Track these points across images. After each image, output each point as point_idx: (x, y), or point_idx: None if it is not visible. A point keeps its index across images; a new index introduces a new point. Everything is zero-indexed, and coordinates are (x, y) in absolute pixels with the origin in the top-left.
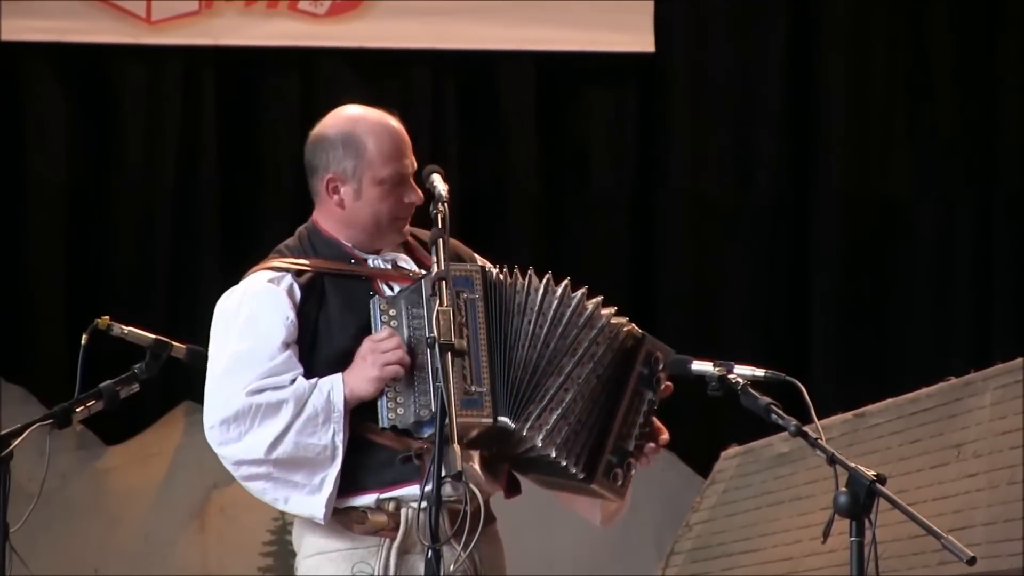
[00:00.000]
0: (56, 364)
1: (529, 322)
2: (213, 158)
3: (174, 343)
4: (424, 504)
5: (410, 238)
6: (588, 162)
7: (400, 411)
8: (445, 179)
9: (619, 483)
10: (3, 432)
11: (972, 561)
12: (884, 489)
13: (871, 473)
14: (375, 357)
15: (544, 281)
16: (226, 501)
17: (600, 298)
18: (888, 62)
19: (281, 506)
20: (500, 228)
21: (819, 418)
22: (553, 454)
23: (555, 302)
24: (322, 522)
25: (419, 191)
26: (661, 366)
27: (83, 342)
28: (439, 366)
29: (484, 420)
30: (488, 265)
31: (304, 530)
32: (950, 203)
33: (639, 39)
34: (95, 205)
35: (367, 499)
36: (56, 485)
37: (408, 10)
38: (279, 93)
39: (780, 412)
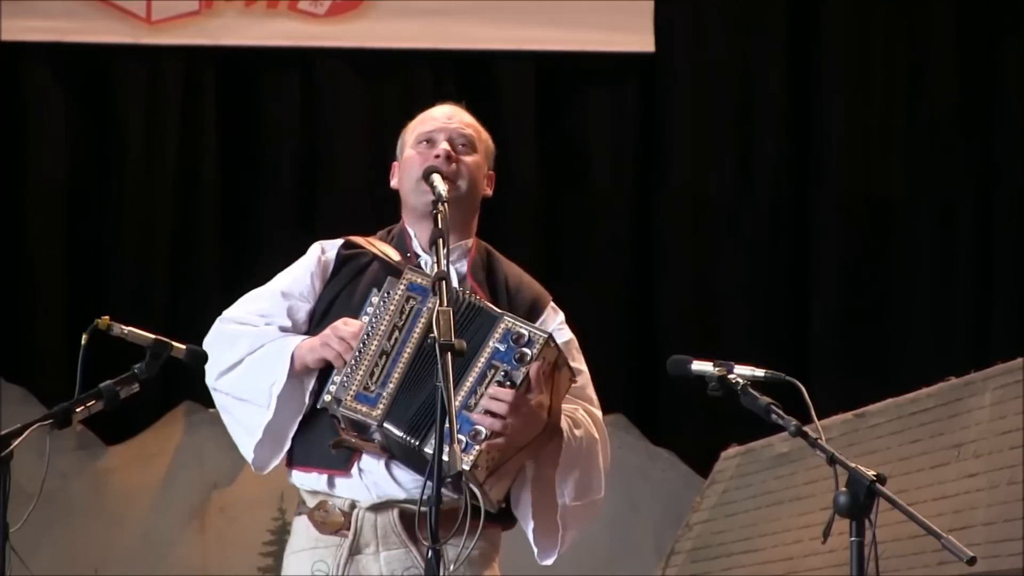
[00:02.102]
0: (56, 364)
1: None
2: (213, 158)
3: (174, 343)
4: (370, 503)
5: (476, 249)
6: (588, 162)
7: (337, 395)
8: (445, 179)
9: (460, 449)
10: (3, 432)
11: (972, 561)
12: (884, 489)
13: (871, 473)
14: (325, 336)
15: (477, 306)
16: (226, 501)
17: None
18: (888, 62)
19: (237, 444)
20: (500, 228)
21: (819, 418)
22: (393, 430)
23: (465, 322)
24: (252, 467)
25: (447, 146)
26: (525, 341)
27: (83, 342)
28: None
29: (370, 419)
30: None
31: (291, 532)
32: (950, 203)
33: (639, 39)
34: (95, 205)
35: (319, 480)
36: (56, 485)
37: (408, 10)
38: (279, 93)
39: (780, 412)
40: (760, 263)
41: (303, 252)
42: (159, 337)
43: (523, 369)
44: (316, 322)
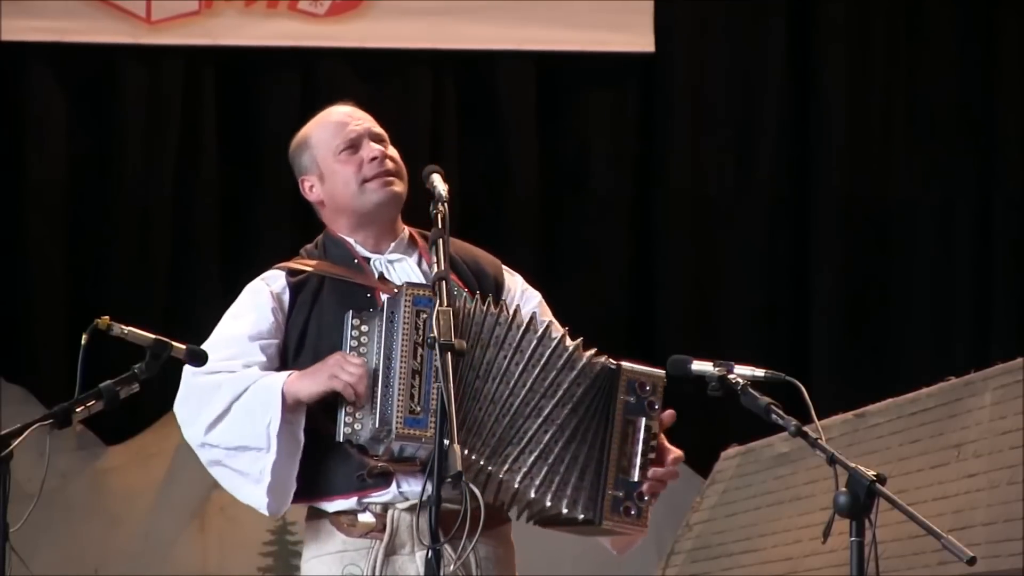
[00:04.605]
0: (56, 364)
1: (505, 357)
2: (213, 158)
3: (174, 343)
4: (406, 504)
5: (419, 239)
6: (588, 162)
7: (357, 427)
8: (445, 179)
9: (633, 516)
10: (3, 432)
11: (972, 561)
12: (884, 489)
13: (871, 473)
14: (332, 368)
15: (528, 319)
16: (226, 501)
17: (580, 340)
18: (888, 62)
19: (238, 496)
20: (500, 228)
21: (819, 418)
22: (534, 496)
23: (534, 341)
24: (266, 513)
25: (378, 146)
26: (649, 388)
27: (83, 342)
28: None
29: (426, 440)
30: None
31: (306, 535)
32: (950, 203)
33: (639, 39)
34: (95, 205)
35: (347, 503)
36: (56, 485)
37: (408, 10)
38: (279, 93)
39: (780, 412)
40: (760, 263)
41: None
42: (159, 337)
43: (656, 419)
44: (291, 357)
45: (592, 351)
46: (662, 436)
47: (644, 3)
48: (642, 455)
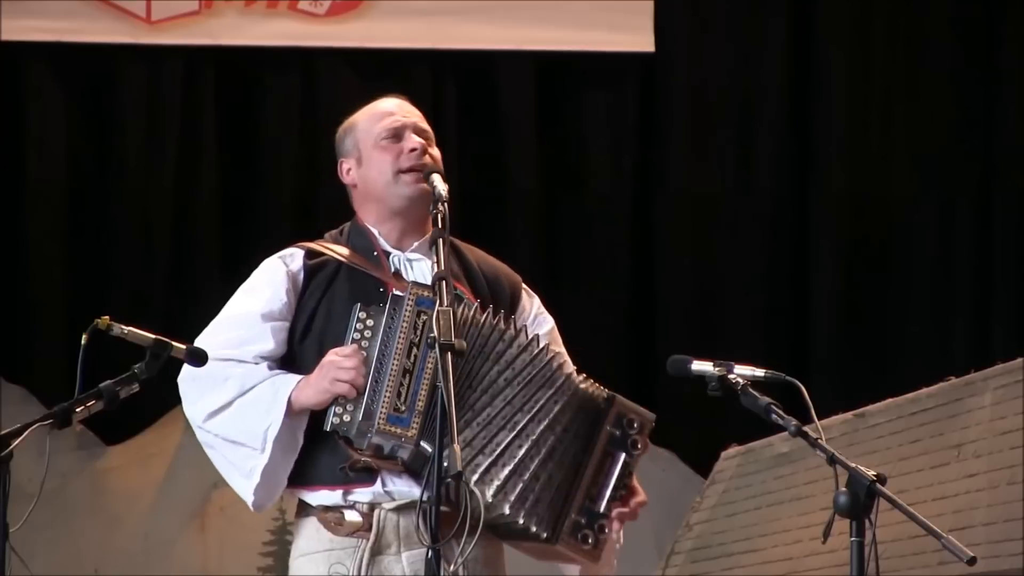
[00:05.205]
0: (56, 364)
1: (499, 372)
2: (213, 158)
3: (174, 343)
4: (393, 505)
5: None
6: (587, 162)
7: (346, 418)
8: (445, 179)
9: (590, 545)
10: (3, 432)
11: (972, 561)
12: (884, 489)
13: (871, 473)
14: (330, 371)
15: (530, 339)
16: (226, 501)
17: (573, 369)
18: (888, 61)
19: (228, 480)
20: (500, 228)
21: (819, 418)
22: (508, 512)
23: (528, 359)
24: (251, 508)
25: (419, 139)
26: (636, 428)
27: (83, 342)
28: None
29: (406, 440)
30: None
31: (294, 532)
32: (950, 203)
33: (639, 39)
34: (95, 205)
35: (332, 496)
36: (56, 485)
37: (408, 10)
38: (279, 93)
39: (780, 412)
40: (760, 263)
41: None
42: (159, 337)
43: (636, 459)
44: (298, 340)
45: (583, 376)
46: (635, 476)
47: (644, 3)
48: (613, 488)
